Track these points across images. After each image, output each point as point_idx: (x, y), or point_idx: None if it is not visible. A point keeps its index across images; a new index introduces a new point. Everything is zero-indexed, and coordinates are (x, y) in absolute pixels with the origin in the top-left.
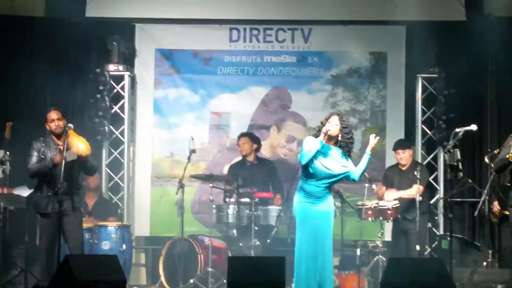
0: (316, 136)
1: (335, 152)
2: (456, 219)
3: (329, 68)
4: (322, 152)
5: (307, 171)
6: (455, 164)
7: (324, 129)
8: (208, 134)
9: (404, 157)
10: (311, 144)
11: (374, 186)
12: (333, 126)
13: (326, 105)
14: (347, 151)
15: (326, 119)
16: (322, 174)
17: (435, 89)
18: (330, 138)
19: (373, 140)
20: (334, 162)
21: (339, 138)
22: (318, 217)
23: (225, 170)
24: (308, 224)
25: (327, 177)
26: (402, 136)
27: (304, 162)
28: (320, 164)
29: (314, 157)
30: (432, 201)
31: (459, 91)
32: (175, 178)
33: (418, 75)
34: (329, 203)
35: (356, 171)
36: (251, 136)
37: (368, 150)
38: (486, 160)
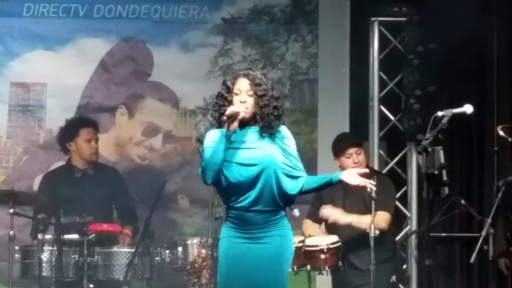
0: (219, 121)
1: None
2: (440, 269)
3: (218, 6)
4: (236, 146)
5: (225, 186)
6: (437, 172)
7: (229, 110)
8: (6, 122)
9: (361, 159)
10: (210, 142)
11: (295, 212)
12: (246, 99)
13: (214, 70)
14: (269, 131)
15: (229, 87)
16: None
17: (403, 42)
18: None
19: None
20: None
21: (258, 113)
22: (259, 266)
23: (37, 185)
24: (239, 278)
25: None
26: (345, 124)
27: (210, 180)
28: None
29: (228, 158)
30: (398, 238)
31: (444, 45)
32: None
33: (373, 18)
34: (282, 238)
35: (302, 180)
36: (96, 126)
37: (344, 176)
38: (501, 132)
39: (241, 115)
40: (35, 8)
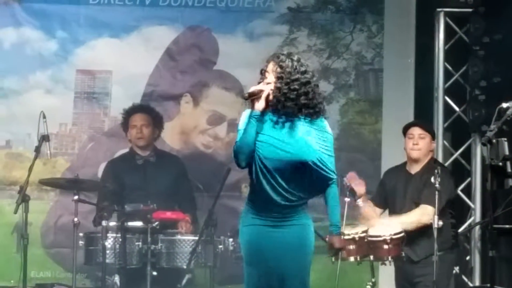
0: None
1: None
2: (503, 260)
3: None
4: (272, 126)
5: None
6: (501, 164)
7: (251, 89)
8: (72, 109)
9: (423, 144)
10: (242, 123)
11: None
12: (272, 80)
13: None
14: (313, 115)
15: (262, 71)
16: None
17: (469, 34)
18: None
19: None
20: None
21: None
22: (283, 254)
23: (101, 172)
24: (262, 266)
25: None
26: (410, 115)
27: (244, 163)
28: (276, 147)
29: (261, 141)
30: (461, 230)
31: (510, 36)
32: (14, 184)
33: (439, 9)
34: (305, 226)
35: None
36: (152, 113)
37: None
38: None
39: (265, 94)
40: None
